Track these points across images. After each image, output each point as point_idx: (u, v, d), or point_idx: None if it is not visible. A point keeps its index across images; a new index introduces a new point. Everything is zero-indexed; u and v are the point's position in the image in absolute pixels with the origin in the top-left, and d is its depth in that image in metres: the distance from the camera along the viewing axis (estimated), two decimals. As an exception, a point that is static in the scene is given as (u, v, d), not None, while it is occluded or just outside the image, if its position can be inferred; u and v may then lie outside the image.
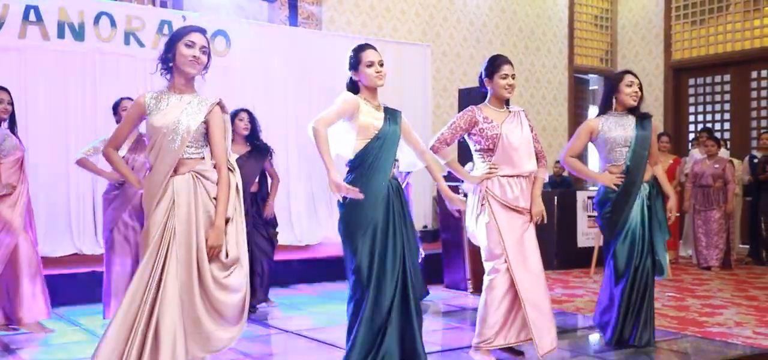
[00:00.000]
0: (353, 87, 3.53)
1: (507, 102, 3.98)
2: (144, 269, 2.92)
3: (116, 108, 5.22)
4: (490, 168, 3.82)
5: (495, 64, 3.89)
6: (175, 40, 3.02)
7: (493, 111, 3.90)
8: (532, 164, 3.89)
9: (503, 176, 3.81)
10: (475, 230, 3.91)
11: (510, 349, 3.93)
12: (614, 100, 4.29)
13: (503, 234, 3.76)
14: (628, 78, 4.25)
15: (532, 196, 3.88)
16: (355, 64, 3.47)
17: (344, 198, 3.33)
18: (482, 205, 3.83)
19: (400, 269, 3.38)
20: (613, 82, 4.32)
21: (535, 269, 3.82)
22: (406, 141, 3.63)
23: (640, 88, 4.27)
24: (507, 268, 3.75)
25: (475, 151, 3.93)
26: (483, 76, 3.95)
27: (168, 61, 3.03)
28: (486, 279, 3.85)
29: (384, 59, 3.51)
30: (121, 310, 2.91)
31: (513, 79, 3.89)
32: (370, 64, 3.43)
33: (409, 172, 5.36)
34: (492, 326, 3.76)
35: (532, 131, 3.98)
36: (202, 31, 3.08)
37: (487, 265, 3.87)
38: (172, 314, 2.89)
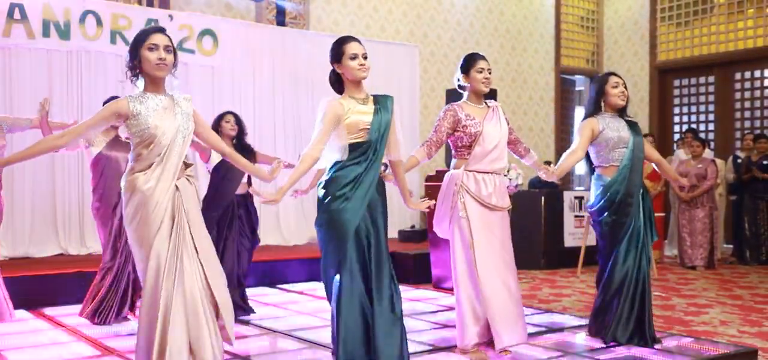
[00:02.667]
0: (336, 79, 3.49)
1: (485, 97, 4.01)
2: (163, 267, 2.94)
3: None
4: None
5: (471, 59, 3.97)
6: (137, 46, 3.01)
7: (473, 108, 3.93)
8: (505, 161, 3.93)
9: (479, 172, 3.83)
10: (445, 225, 3.93)
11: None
12: (602, 103, 4.32)
13: (474, 231, 3.78)
14: (614, 79, 4.30)
15: (552, 170, 4.05)
16: (337, 56, 3.42)
17: (327, 197, 3.33)
18: (455, 199, 3.83)
19: (376, 270, 3.36)
20: (599, 84, 4.35)
21: (503, 268, 3.83)
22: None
23: (626, 88, 4.32)
24: (474, 266, 3.76)
25: (454, 148, 3.96)
26: (459, 74, 4.01)
27: (135, 67, 3.03)
28: (455, 279, 3.86)
29: (372, 59, 3.49)
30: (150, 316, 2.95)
31: (489, 72, 3.94)
32: (354, 57, 3.38)
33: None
34: (477, 334, 3.79)
35: (508, 125, 4.05)
36: (162, 31, 3.07)
37: (455, 263, 3.86)
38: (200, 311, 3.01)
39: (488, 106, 3.98)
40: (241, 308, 5.35)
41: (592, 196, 4.37)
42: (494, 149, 3.86)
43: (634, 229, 4.24)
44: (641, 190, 4.31)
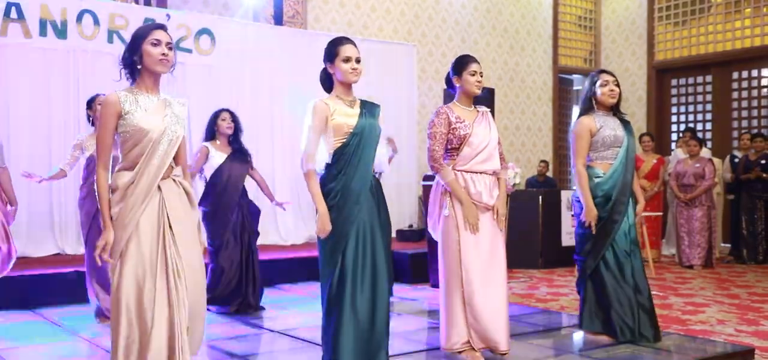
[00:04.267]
0: (327, 78, 3.50)
1: (475, 101, 4.01)
2: (145, 272, 2.87)
3: (91, 104, 5.19)
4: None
5: (463, 61, 3.93)
6: (139, 40, 2.92)
7: (463, 110, 3.91)
8: (496, 163, 3.90)
9: (467, 172, 3.82)
10: (435, 225, 3.93)
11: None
12: (594, 101, 4.33)
13: (461, 230, 3.77)
14: (603, 77, 4.31)
15: (499, 196, 3.88)
16: (331, 56, 3.42)
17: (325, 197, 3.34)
18: (442, 199, 3.83)
19: (371, 274, 3.37)
20: (590, 82, 4.37)
21: (493, 269, 3.80)
22: None
23: (618, 86, 4.31)
24: (459, 265, 3.75)
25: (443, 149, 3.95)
26: (451, 74, 3.97)
27: (134, 63, 2.94)
28: (442, 280, 3.85)
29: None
30: (131, 316, 2.86)
31: (481, 75, 3.92)
32: (347, 60, 3.38)
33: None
34: (461, 326, 3.78)
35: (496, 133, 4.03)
36: (164, 28, 3.00)
37: (442, 262, 3.85)
38: (182, 313, 2.91)
39: (477, 111, 3.96)
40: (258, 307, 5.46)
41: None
42: (483, 151, 3.84)
43: (626, 227, 4.25)
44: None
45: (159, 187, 2.93)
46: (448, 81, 4.01)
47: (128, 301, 2.84)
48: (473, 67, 3.89)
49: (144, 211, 2.89)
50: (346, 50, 3.39)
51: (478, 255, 3.78)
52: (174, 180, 3.01)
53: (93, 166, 4.97)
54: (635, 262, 4.29)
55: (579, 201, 4.34)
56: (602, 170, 4.26)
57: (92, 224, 4.96)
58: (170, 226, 2.93)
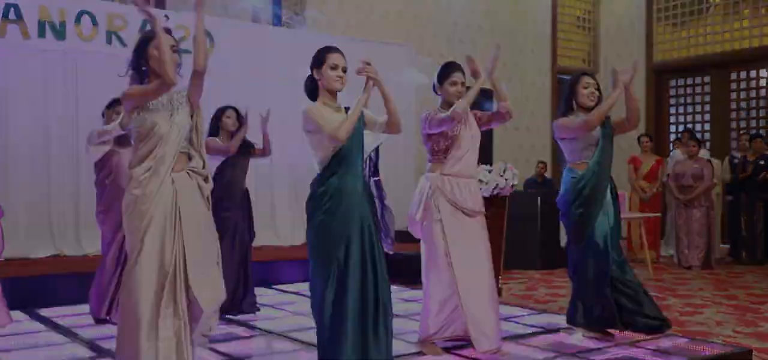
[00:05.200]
0: (312, 85, 3.51)
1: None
2: (159, 264, 2.95)
3: (110, 106, 5.08)
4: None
5: (445, 71, 4.04)
6: (143, 45, 3.09)
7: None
8: (475, 164, 4.05)
9: (453, 176, 3.90)
10: (416, 224, 4.01)
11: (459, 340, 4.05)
12: (575, 103, 4.36)
13: (447, 233, 3.85)
14: (584, 80, 4.37)
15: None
16: (319, 63, 3.46)
17: (316, 206, 3.35)
18: (428, 202, 3.91)
19: (372, 274, 3.37)
20: (570, 84, 4.42)
21: (480, 272, 3.90)
22: (371, 128, 3.59)
23: (598, 89, 4.35)
24: (450, 268, 3.85)
25: (430, 152, 4.02)
26: (435, 82, 4.07)
27: (141, 66, 3.09)
28: (425, 277, 3.99)
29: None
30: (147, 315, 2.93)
31: (462, 86, 4.00)
32: (334, 68, 3.42)
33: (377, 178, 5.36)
34: (436, 324, 3.96)
35: (479, 124, 4.11)
36: (169, 31, 3.15)
37: (427, 260, 3.98)
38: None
39: None
40: (253, 306, 5.42)
41: (562, 188, 4.45)
42: (468, 153, 3.96)
43: (605, 221, 4.29)
44: (611, 187, 4.37)
45: (172, 180, 3.03)
46: (434, 88, 4.13)
47: (146, 291, 2.91)
48: (454, 76, 3.99)
49: (158, 201, 2.98)
50: (334, 58, 3.43)
51: (468, 260, 3.87)
52: (189, 174, 3.11)
53: (102, 164, 4.97)
54: (618, 252, 4.35)
55: (564, 196, 4.38)
56: (580, 171, 4.33)
57: (115, 235, 4.84)
58: (180, 220, 3.01)
